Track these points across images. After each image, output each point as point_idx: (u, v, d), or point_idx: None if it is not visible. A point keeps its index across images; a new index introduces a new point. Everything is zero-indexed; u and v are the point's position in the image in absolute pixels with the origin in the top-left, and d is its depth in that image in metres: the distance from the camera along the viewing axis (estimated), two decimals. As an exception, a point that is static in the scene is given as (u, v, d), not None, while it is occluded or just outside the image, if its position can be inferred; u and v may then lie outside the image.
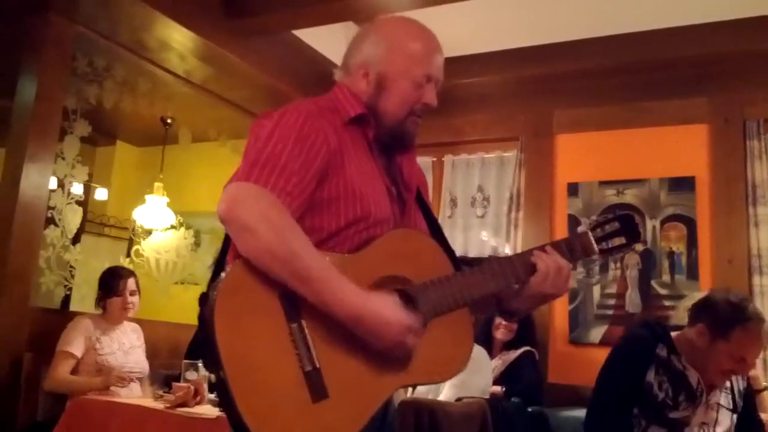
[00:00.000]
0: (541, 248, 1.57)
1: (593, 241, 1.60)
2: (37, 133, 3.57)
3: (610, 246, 1.62)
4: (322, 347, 1.30)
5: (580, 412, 2.73)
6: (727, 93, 4.34)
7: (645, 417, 2.37)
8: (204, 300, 1.28)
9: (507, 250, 4.75)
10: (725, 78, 4.33)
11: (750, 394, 2.59)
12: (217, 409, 2.76)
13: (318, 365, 1.28)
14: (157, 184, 5.58)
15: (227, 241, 1.42)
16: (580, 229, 1.65)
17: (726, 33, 4.14)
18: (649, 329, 2.50)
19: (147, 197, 5.53)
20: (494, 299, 1.59)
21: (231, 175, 1.41)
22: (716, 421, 2.42)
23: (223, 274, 1.29)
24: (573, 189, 4.65)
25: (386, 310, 1.31)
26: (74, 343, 3.38)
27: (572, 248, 1.59)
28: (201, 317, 1.28)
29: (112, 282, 3.59)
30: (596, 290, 4.49)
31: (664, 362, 2.38)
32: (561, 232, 4.58)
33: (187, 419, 2.65)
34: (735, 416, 2.47)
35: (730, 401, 2.47)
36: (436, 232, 1.60)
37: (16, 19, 3.74)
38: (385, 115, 1.54)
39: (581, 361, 4.37)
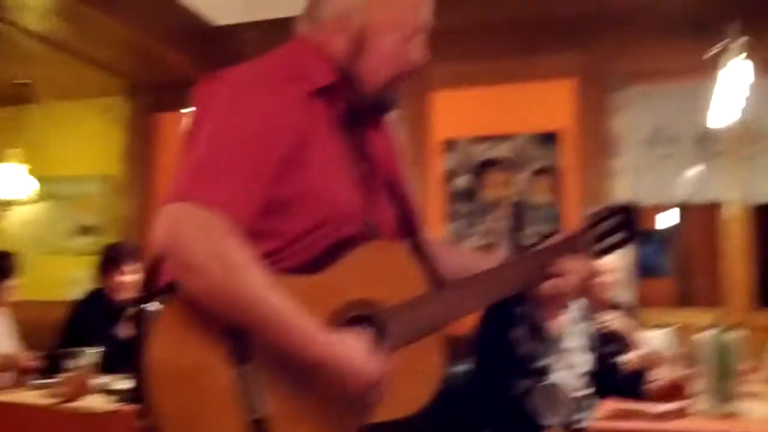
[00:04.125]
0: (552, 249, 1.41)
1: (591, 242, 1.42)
2: None
3: (608, 245, 1.44)
4: (272, 393, 1.14)
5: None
6: (592, 48, 4.40)
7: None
8: (138, 321, 1.11)
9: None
10: (593, 33, 4.40)
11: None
12: (113, 399, 2.49)
13: (265, 414, 1.13)
14: (13, 150, 5.15)
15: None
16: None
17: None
18: None
19: (1, 165, 5.11)
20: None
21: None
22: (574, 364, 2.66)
23: (158, 304, 1.12)
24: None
25: (352, 358, 1.15)
26: None
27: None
28: (133, 348, 1.10)
29: (4, 264, 3.31)
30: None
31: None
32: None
33: (80, 415, 2.37)
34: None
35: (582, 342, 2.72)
36: (409, 222, 1.42)
37: None
38: (365, 79, 1.32)
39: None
